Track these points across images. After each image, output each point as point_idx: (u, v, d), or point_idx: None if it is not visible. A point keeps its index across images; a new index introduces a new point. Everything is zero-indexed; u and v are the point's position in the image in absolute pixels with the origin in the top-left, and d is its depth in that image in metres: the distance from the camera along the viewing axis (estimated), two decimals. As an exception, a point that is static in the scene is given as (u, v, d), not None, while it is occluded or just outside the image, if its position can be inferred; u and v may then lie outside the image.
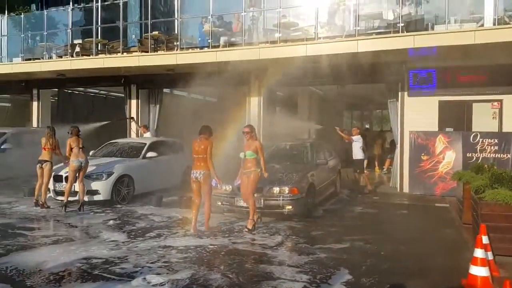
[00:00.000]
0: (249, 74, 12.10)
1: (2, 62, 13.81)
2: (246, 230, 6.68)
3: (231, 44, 11.06)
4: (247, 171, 6.83)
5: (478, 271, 4.35)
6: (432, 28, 9.19)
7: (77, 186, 8.30)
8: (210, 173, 6.56)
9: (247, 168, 6.83)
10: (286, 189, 7.33)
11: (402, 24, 9.12)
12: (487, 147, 9.67)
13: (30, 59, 13.41)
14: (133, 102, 13.87)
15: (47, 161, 8.48)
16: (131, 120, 13.64)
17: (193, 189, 6.71)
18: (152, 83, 13.56)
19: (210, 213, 6.75)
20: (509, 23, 8.53)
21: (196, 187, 6.63)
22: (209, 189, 6.63)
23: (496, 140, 9.64)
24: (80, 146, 8.22)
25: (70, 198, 8.32)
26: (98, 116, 14.01)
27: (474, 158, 9.63)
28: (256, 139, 6.99)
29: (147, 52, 11.74)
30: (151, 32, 11.86)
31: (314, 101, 17.49)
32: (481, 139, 9.71)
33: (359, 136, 10.91)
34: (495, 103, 10.01)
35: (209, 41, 11.12)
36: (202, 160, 6.52)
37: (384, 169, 14.48)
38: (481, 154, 9.68)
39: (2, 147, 10.91)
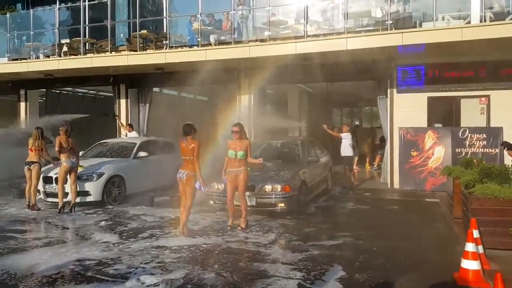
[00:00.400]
0: (239, 72, 12.10)
1: (-14, 62, 13.57)
2: (240, 228, 6.69)
3: (221, 43, 11.04)
4: (235, 170, 6.75)
5: (470, 264, 4.43)
6: (420, 25, 9.31)
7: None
8: (195, 175, 6.25)
9: (235, 167, 6.74)
10: (279, 187, 7.35)
11: (391, 22, 9.20)
12: (476, 142, 9.82)
13: (17, 59, 13.22)
14: (122, 101, 13.75)
15: (35, 162, 8.35)
16: (115, 118, 13.50)
17: (180, 189, 6.51)
18: (141, 82, 13.45)
19: (188, 217, 6.42)
20: (494, 20, 8.66)
21: (181, 187, 6.43)
22: (192, 191, 6.31)
23: (484, 135, 9.79)
24: (69, 147, 8.07)
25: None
26: (87, 116, 13.85)
27: (463, 153, 9.77)
28: (246, 138, 6.96)
29: (136, 51, 11.64)
30: (139, 31, 11.77)
31: (304, 99, 17.54)
32: (469, 135, 9.86)
33: (349, 133, 10.97)
34: (483, 99, 10.16)
35: (198, 39, 11.08)
36: (189, 161, 6.28)
37: (375, 166, 14.60)
38: (470, 149, 9.82)
39: (-12, 149, 10.72)
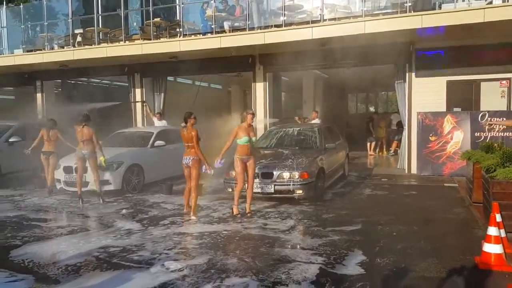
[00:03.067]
0: (253, 60, 12.02)
1: (3, 54, 13.75)
2: (249, 214, 6.80)
3: (235, 29, 10.97)
4: (247, 157, 6.83)
5: (492, 248, 4.40)
6: (440, 7, 9.08)
7: (89, 177, 8.36)
8: (199, 159, 6.70)
9: (247, 154, 6.82)
10: (296, 174, 7.36)
11: (410, 4, 9.00)
12: (496, 126, 9.63)
13: (31, 51, 13.35)
14: (138, 91, 13.83)
15: (52, 152, 8.85)
16: (144, 105, 13.55)
17: (185, 174, 6.94)
18: (155, 71, 13.49)
19: (196, 200, 6.85)
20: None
21: (187, 173, 6.88)
22: (197, 175, 6.75)
23: (504, 119, 9.58)
24: (84, 138, 8.00)
25: (82, 189, 8.42)
26: (103, 105, 13.98)
27: (482, 138, 9.62)
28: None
29: (149, 39, 11.64)
30: (152, 19, 11.75)
31: (319, 85, 17.42)
32: (489, 118, 9.67)
33: (317, 119, 11.64)
34: (504, 82, 9.94)
35: (212, 26, 11.01)
36: (191, 147, 6.72)
37: (391, 151, 14.48)
38: (489, 133, 9.66)
39: (10, 140, 10.93)
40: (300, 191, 7.35)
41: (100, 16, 12.62)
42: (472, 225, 6.07)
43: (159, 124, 12.25)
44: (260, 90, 12.25)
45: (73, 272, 4.59)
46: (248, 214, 6.82)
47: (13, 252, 5.29)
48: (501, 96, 9.99)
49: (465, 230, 5.86)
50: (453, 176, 9.77)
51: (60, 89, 16.79)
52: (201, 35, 11.52)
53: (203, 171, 6.80)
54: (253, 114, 7.08)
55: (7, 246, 5.58)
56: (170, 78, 14.57)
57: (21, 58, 13.16)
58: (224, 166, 7.12)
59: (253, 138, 6.92)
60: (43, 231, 6.23)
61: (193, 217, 6.74)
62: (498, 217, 4.83)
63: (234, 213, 6.82)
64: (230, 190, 7.89)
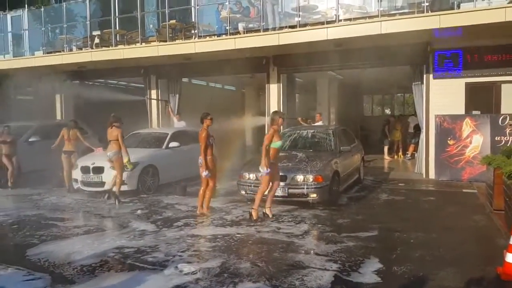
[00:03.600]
0: (267, 61, 11.98)
1: (24, 56, 14.02)
2: (272, 218, 6.71)
3: (249, 30, 10.94)
4: (276, 161, 6.82)
5: (515, 258, 4.25)
6: (458, 7, 8.87)
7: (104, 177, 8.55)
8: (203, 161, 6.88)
9: (276, 158, 6.82)
10: (311, 178, 7.28)
11: (427, 3, 8.82)
12: (517, 129, 9.38)
13: (51, 52, 13.58)
14: (153, 92, 13.94)
15: (72, 151, 9.29)
16: (166, 105, 13.63)
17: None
18: (171, 72, 13.57)
19: (210, 197, 7.17)
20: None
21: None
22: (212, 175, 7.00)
23: (526, 121, 9.34)
24: (110, 139, 8.15)
25: (98, 189, 8.54)
26: (119, 106, 14.12)
27: (503, 142, 9.36)
28: None
29: (165, 41, 11.72)
30: (168, 21, 11.83)
31: (334, 86, 17.27)
32: (510, 122, 9.41)
33: (321, 122, 11.55)
34: (526, 84, 9.67)
35: (227, 28, 11.02)
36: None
37: (408, 155, 14.24)
38: (511, 137, 9.40)
39: (29, 140, 11.14)
40: (314, 195, 7.27)
41: (117, 18, 12.76)
42: (493, 233, 5.89)
43: (178, 124, 12.34)
44: (274, 92, 12.21)
45: (88, 272, 4.63)
46: (272, 219, 6.68)
47: (30, 251, 5.38)
48: (523, 99, 9.72)
49: (486, 239, 5.69)
50: (472, 182, 9.53)
51: (78, 90, 16.99)
52: (215, 37, 11.54)
53: (205, 175, 6.97)
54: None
55: (25, 244, 5.68)
56: (184, 79, 14.64)
57: (41, 59, 13.40)
58: (238, 168, 7.15)
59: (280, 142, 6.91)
60: (60, 231, 6.32)
61: (205, 211, 7.06)
62: (521, 226, 4.69)
63: (254, 217, 6.64)
64: (243, 192, 7.88)
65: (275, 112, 7.25)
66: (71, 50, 13.41)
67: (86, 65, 13.29)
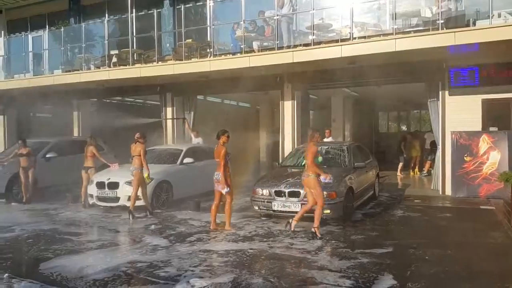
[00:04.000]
0: (282, 78, 12.10)
1: (44, 74, 14.47)
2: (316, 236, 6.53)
3: (264, 49, 11.10)
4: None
5: (534, 277, 4.13)
6: (474, 24, 8.86)
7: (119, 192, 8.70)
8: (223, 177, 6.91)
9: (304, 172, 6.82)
10: (324, 193, 7.22)
11: (442, 21, 8.83)
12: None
13: (69, 71, 13.99)
14: (169, 109, 14.16)
15: (90, 167, 9.57)
16: (184, 122, 13.85)
17: (215, 189, 7.18)
18: (186, 90, 13.79)
19: (230, 213, 7.14)
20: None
21: (216, 187, 7.13)
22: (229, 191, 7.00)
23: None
24: (133, 154, 8.35)
25: (113, 204, 8.68)
26: (136, 124, 14.38)
27: (521, 158, 9.17)
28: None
29: (181, 60, 11.96)
30: (184, 40, 12.10)
31: (349, 103, 17.26)
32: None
33: (331, 137, 11.52)
34: (543, 100, 9.51)
35: (241, 46, 11.20)
36: (219, 164, 6.99)
37: (424, 171, 14.04)
38: (529, 154, 9.20)
39: (47, 156, 11.40)
40: (328, 211, 7.20)
41: (134, 38, 13.12)
42: (510, 250, 5.74)
43: (195, 141, 12.52)
44: (288, 109, 12.26)
45: (100, 286, 4.65)
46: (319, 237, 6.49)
47: (44, 265, 5.42)
48: (541, 115, 9.54)
49: (504, 256, 5.54)
50: (490, 198, 9.32)
51: (96, 108, 17.42)
52: (230, 55, 11.74)
53: (224, 192, 6.96)
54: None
55: (39, 258, 5.75)
56: (200, 97, 14.86)
57: (59, 78, 13.79)
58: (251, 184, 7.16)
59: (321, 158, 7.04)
60: (74, 245, 6.39)
61: (229, 230, 7.01)
62: (540, 243, 4.57)
63: (319, 235, 6.48)
64: (256, 208, 7.87)
65: (314, 129, 7.37)
66: (89, 68, 13.80)
67: (103, 84, 13.62)
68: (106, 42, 13.56)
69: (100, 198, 9.01)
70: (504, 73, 9.64)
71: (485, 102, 9.93)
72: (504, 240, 6.31)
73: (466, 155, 9.76)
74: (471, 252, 5.74)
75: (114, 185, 8.82)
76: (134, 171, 8.28)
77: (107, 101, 17.14)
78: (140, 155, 8.26)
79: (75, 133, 15.85)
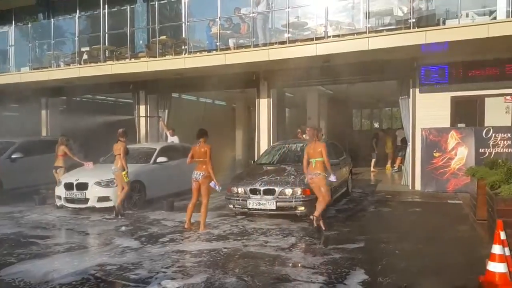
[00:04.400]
0: (258, 76, 12.09)
1: (10, 72, 13.96)
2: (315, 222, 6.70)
3: (240, 46, 11.05)
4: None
5: (496, 267, 4.26)
6: (444, 23, 9.10)
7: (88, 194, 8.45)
8: (209, 175, 6.88)
9: (313, 170, 6.81)
10: (299, 191, 7.28)
11: (414, 20, 9.02)
12: (500, 142, 9.53)
13: (38, 68, 13.55)
14: (142, 108, 13.93)
15: (60, 167, 9.54)
16: (159, 120, 13.62)
17: (193, 188, 7.07)
18: (160, 88, 13.60)
19: (206, 214, 7.05)
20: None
21: (195, 186, 7.02)
22: (207, 190, 6.95)
23: (509, 135, 9.49)
24: (117, 153, 8.24)
25: (81, 206, 8.55)
26: (108, 122, 14.09)
27: (487, 154, 9.49)
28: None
29: (155, 57, 11.77)
30: (158, 37, 11.90)
31: (324, 101, 17.42)
32: (493, 134, 9.57)
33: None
34: (508, 97, 9.85)
35: (217, 44, 11.11)
36: (203, 163, 6.91)
37: (395, 167, 14.35)
38: (494, 149, 9.54)
39: (12, 156, 11.00)
40: (302, 208, 7.26)
41: (106, 34, 12.81)
42: (476, 243, 5.93)
43: (171, 139, 12.34)
44: (264, 107, 12.28)
45: (68, 289, 4.51)
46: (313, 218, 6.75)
47: (5, 271, 5.15)
48: (506, 112, 9.89)
49: (469, 248, 5.71)
50: (457, 193, 9.62)
51: (65, 106, 16.94)
52: (206, 52, 11.63)
53: (213, 186, 6.93)
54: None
55: (1, 263, 5.46)
56: (174, 95, 14.67)
57: (27, 75, 13.34)
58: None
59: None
60: (40, 249, 6.14)
61: (203, 230, 6.88)
62: (503, 235, 4.69)
63: (324, 228, 6.69)
64: (231, 206, 7.83)
65: (316, 127, 7.64)
66: (58, 66, 13.39)
67: (74, 81, 13.25)
68: (76, 38, 13.20)
69: (68, 200, 8.75)
70: (472, 71, 9.95)
71: (454, 99, 10.23)
72: (471, 233, 6.50)
73: (435, 151, 10.02)
74: (440, 245, 5.89)
75: (83, 186, 8.59)
76: (117, 172, 8.19)
77: (77, 99, 16.69)
78: (120, 154, 8.17)
79: (43, 133, 15.37)
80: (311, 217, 6.78)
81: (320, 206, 6.72)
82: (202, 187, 6.92)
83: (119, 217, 8.07)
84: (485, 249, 5.28)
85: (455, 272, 4.76)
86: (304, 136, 12.19)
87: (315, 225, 6.68)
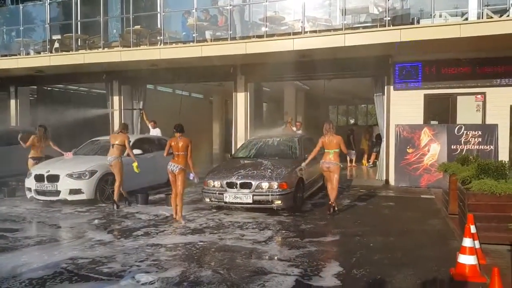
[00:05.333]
0: (235, 69, 12.00)
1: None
2: (330, 212, 7.48)
3: (217, 39, 10.93)
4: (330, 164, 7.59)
5: (467, 259, 4.40)
6: (418, 22, 9.27)
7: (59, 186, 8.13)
8: (186, 168, 7.01)
9: (330, 160, 7.57)
10: (275, 185, 7.29)
11: (389, 18, 9.15)
12: (471, 139, 9.83)
13: (6, 55, 13.00)
14: (116, 98, 13.60)
15: (36, 157, 9.35)
16: (141, 112, 13.32)
17: (171, 180, 7.18)
18: (135, 79, 13.31)
19: (182, 205, 7.16)
20: (492, 17, 8.65)
21: (172, 178, 7.11)
22: (183, 182, 7.04)
23: (479, 132, 9.80)
24: (115, 143, 8.24)
25: (53, 198, 8.27)
26: (80, 113, 13.68)
27: (459, 150, 9.78)
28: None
29: (129, 46, 11.49)
30: (133, 26, 11.61)
31: (301, 96, 17.52)
32: (465, 131, 9.87)
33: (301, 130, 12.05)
34: (479, 96, 10.15)
35: (193, 35, 10.95)
36: (181, 156, 6.98)
37: (370, 163, 14.60)
38: (465, 146, 9.84)
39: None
40: (279, 202, 7.28)
41: (79, 23, 12.41)
42: (448, 236, 6.10)
43: (153, 132, 12.19)
44: (241, 100, 12.22)
45: (38, 285, 4.34)
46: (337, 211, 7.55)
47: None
48: (477, 110, 10.20)
49: (441, 242, 5.86)
50: (430, 188, 9.89)
51: (35, 96, 16.36)
52: (182, 44, 11.44)
53: (191, 178, 7.06)
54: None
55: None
56: (150, 86, 14.39)
57: (-6, 62, 12.78)
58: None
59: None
60: (8, 242, 5.92)
61: (181, 222, 6.94)
62: (473, 229, 4.86)
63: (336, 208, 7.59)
64: (208, 200, 7.77)
65: (329, 120, 8.22)
66: (28, 53, 12.88)
67: (44, 70, 12.79)
68: (47, 26, 12.70)
69: (39, 192, 8.48)
70: (445, 70, 10.22)
71: (427, 97, 10.48)
72: (443, 227, 6.69)
73: (408, 147, 10.25)
74: (412, 239, 6.03)
75: (54, 178, 8.33)
76: (114, 161, 8.13)
77: (49, 89, 16.13)
78: (121, 145, 8.19)
79: (12, 123, 14.78)
80: (331, 208, 7.50)
81: (334, 193, 7.54)
82: (178, 178, 6.97)
83: (118, 208, 8.09)
84: (456, 242, 5.48)
85: (427, 264, 4.88)
86: (294, 128, 12.29)
87: (332, 211, 7.45)
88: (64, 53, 12.09)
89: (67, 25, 12.59)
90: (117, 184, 8.18)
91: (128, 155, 8.34)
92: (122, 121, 13.35)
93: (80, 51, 11.97)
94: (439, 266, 4.77)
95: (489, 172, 5.85)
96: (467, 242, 4.45)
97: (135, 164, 8.18)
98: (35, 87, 15.57)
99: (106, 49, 11.85)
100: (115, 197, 8.17)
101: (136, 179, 9.33)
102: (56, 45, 12.40)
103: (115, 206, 8.09)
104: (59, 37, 12.58)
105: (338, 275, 4.55)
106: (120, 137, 8.29)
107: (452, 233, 6.22)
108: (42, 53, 12.61)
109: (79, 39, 12.35)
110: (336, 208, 7.56)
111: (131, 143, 9.73)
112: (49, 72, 13.11)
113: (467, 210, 5.45)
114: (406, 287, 4.22)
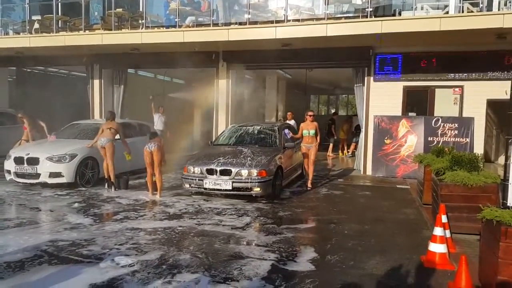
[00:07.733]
0: (217, 56, 11.96)
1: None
2: (309, 188, 8.77)
3: (199, 25, 10.86)
4: (308, 145, 8.78)
5: (437, 247, 4.61)
6: (400, 14, 9.41)
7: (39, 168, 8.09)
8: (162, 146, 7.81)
9: (309, 142, 8.78)
10: (255, 172, 7.40)
11: (371, 9, 9.26)
12: (448, 131, 10.11)
13: (-18, 35, 12.62)
14: (96, 82, 13.41)
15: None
16: (151, 100, 13.18)
17: (146, 162, 7.87)
18: (116, 63, 13.13)
19: (162, 181, 8.00)
20: (472, 11, 8.86)
21: (148, 161, 7.84)
22: (160, 159, 7.81)
23: (456, 125, 10.08)
24: (109, 127, 8.40)
25: (32, 181, 8.24)
26: (60, 96, 13.45)
27: (435, 142, 10.04)
28: (315, 121, 8.92)
29: (110, 30, 11.31)
30: (114, 9, 11.42)
31: (282, 85, 17.58)
32: (442, 124, 10.14)
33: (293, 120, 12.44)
34: (457, 89, 10.41)
35: (176, 20, 10.85)
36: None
37: (349, 153, 14.86)
38: (442, 138, 10.11)
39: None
40: (258, 189, 7.41)
41: (59, 4, 12.12)
42: (421, 225, 6.33)
43: (157, 118, 12.60)
44: (223, 87, 12.21)
45: (17, 267, 4.37)
46: (309, 188, 8.78)
47: None
48: (454, 103, 10.48)
49: (414, 230, 6.09)
50: (406, 178, 10.17)
51: (14, 77, 15.94)
52: (164, 28, 11.32)
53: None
54: (311, 114, 9.00)
55: None
56: (131, 71, 14.21)
57: (-30, 42, 12.38)
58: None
59: (311, 131, 8.78)
60: (-14, 225, 5.90)
61: (158, 197, 7.70)
62: (444, 218, 5.08)
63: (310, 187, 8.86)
64: (187, 186, 7.83)
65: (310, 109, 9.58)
66: (6, 34, 12.54)
67: (23, 51, 12.48)
68: (27, 6, 12.36)
69: (18, 174, 8.40)
70: (424, 62, 10.41)
71: (406, 89, 10.69)
72: (416, 216, 6.92)
73: (386, 138, 10.49)
74: (386, 227, 6.24)
75: (34, 161, 8.26)
76: (107, 144, 8.18)
77: (28, 70, 15.73)
78: (114, 129, 8.38)
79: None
80: (308, 185, 8.83)
81: (311, 167, 8.86)
82: (155, 156, 7.68)
83: (113, 189, 8.38)
84: (428, 231, 5.70)
85: (399, 252, 5.08)
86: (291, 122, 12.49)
87: (310, 187, 8.79)
88: (44, 34, 11.81)
89: (47, 5, 12.27)
90: (110, 168, 8.31)
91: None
92: (102, 103, 13.24)
93: (61, 33, 11.72)
94: (411, 254, 4.98)
95: (462, 164, 6.08)
96: (437, 231, 4.66)
97: (126, 154, 8.51)
98: (14, 68, 15.16)
99: (87, 32, 11.63)
100: (112, 179, 8.36)
101: (116, 164, 9.31)
102: (36, 26, 12.10)
103: (112, 188, 8.35)
104: (39, 17, 12.26)
105: (313, 260, 4.72)
106: (112, 124, 8.43)
107: (425, 222, 6.46)
108: (21, 33, 12.28)
109: (59, 21, 12.07)
110: (312, 183, 8.85)
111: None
112: (28, 54, 12.79)
113: (440, 200, 5.66)
114: (378, 273, 4.41)
